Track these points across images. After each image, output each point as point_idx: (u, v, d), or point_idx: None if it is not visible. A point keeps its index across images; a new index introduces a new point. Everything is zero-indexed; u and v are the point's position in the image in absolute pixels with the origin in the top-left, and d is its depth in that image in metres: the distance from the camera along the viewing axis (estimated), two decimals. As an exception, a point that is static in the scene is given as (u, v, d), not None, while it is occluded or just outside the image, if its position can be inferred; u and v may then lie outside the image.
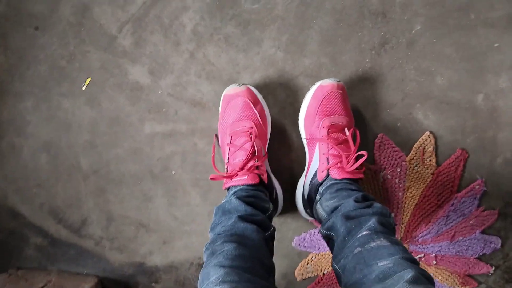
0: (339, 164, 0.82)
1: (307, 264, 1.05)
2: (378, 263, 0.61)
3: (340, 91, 0.85)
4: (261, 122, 0.85)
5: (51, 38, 0.91)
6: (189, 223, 0.99)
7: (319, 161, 0.87)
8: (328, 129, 0.84)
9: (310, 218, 0.97)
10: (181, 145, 0.93)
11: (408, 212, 1.01)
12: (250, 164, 0.80)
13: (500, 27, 0.88)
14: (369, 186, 0.99)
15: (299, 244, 1.04)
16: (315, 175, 0.87)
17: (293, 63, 0.90)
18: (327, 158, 0.84)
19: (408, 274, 0.56)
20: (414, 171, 0.98)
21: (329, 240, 0.79)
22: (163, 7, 0.88)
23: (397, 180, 0.99)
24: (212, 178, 0.81)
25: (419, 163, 0.97)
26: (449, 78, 0.91)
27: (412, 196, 1.00)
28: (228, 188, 0.82)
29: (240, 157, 0.81)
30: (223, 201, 0.79)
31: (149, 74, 0.90)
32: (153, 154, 0.96)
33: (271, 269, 0.71)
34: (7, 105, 0.92)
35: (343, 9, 0.87)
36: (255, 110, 0.85)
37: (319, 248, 1.04)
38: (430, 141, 0.96)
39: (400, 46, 0.90)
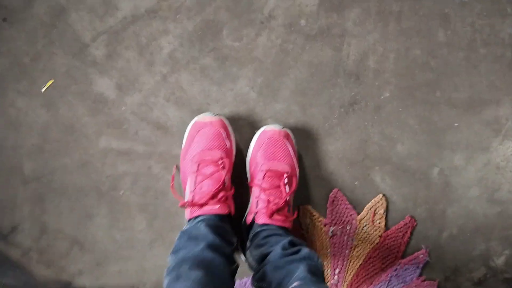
0: (264, 210, 0.83)
1: (243, 310, 1.03)
2: None
3: (282, 137, 0.87)
4: (230, 155, 0.85)
5: (18, 32, 0.87)
6: (128, 249, 0.94)
7: (250, 205, 0.88)
8: (265, 174, 0.85)
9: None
10: (135, 166, 0.90)
11: (352, 271, 1.02)
12: (221, 194, 0.80)
13: (461, 108, 0.93)
14: (317, 239, 1.00)
15: (239, 289, 1.02)
16: (245, 219, 0.88)
17: (264, 106, 0.91)
18: (257, 202, 0.85)
19: None
20: (363, 230, 1.00)
21: None
22: (144, 26, 0.87)
23: (345, 237, 1.00)
24: (182, 205, 0.79)
25: (368, 224, 0.99)
26: (409, 147, 0.95)
27: (358, 255, 1.01)
28: (194, 217, 0.80)
29: (208, 186, 0.80)
30: (186, 227, 0.77)
31: (115, 89, 0.88)
32: (103, 171, 0.93)
33: None
34: (-45, 92, 0.86)
35: (320, 64, 0.89)
36: (226, 142, 0.84)
37: (257, 295, 1.02)
38: (382, 204, 0.98)
39: (368, 109, 0.93)
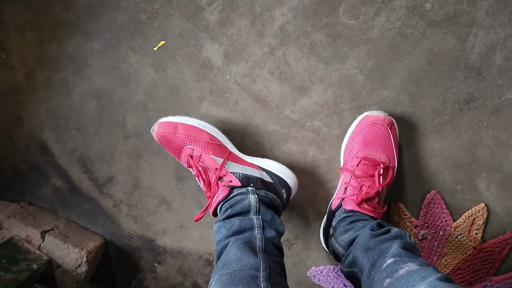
0: (353, 197, 0.77)
1: (316, 297, 0.97)
2: None
3: (386, 125, 0.79)
4: (194, 137, 0.79)
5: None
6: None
7: (338, 189, 0.82)
8: (360, 161, 0.79)
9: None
10: (230, 136, 0.86)
11: (435, 279, 0.91)
12: (212, 180, 0.77)
13: None
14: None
15: (314, 276, 0.96)
16: (331, 203, 0.82)
17: (370, 91, 0.83)
18: (345, 188, 0.79)
19: None
20: (456, 239, 0.89)
21: (353, 278, 0.72)
22: (260, -5, 0.82)
23: (436, 243, 0.90)
24: (196, 219, 0.79)
25: (464, 233, 0.89)
26: (525, 157, 0.82)
27: (446, 264, 0.91)
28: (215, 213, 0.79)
29: (200, 182, 0.80)
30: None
31: (223, 56, 0.84)
32: (200, 136, 0.90)
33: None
34: (73, 41, 0.87)
35: (439, 53, 0.79)
36: (177, 135, 0.80)
37: (332, 286, 0.96)
38: (482, 214, 0.87)
39: (485, 108, 0.82)
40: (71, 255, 0.93)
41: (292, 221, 0.94)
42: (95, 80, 0.90)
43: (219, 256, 0.67)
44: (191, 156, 0.79)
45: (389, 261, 0.61)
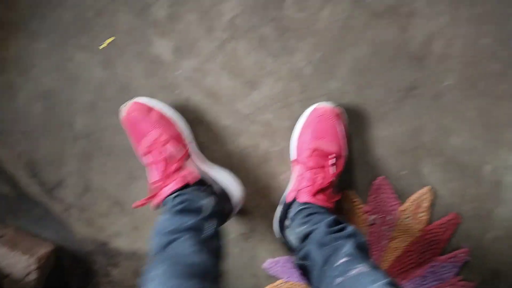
0: (308, 188, 0.76)
1: (274, 289, 0.94)
2: None
3: (334, 116, 0.79)
4: (165, 124, 0.77)
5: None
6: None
7: (293, 182, 0.80)
8: (312, 152, 0.78)
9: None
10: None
11: (387, 263, 0.92)
12: (168, 171, 0.73)
13: (527, 105, 0.82)
14: (356, 226, 0.89)
15: (271, 267, 0.93)
16: (286, 196, 0.81)
17: (319, 82, 0.82)
18: (300, 180, 0.78)
19: None
20: (404, 222, 0.89)
21: (304, 270, 0.70)
22: (208, -10, 0.79)
23: (385, 227, 0.90)
24: (135, 206, 0.73)
25: (411, 216, 0.89)
26: (464, 140, 0.84)
27: (396, 248, 0.91)
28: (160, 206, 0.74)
29: (156, 170, 0.74)
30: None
31: (173, 52, 0.80)
32: (152, 133, 0.85)
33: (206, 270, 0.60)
34: (17, 42, 0.81)
35: (382, 43, 0.80)
36: (149, 117, 0.76)
37: (289, 277, 0.93)
38: (428, 197, 0.88)
39: (427, 95, 0.83)
40: (20, 263, 0.85)
41: (248, 214, 0.91)
42: (42, 81, 0.84)
43: (164, 247, 0.62)
44: (157, 140, 0.74)
45: (342, 260, 0.61)
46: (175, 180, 0.73)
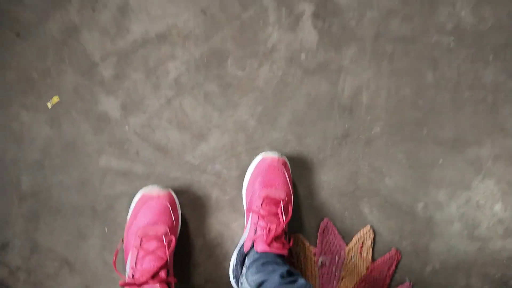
0: (264, 237, 0.77)
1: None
2: None
3: (281, 165, 0.83)
4: (174, 230, 0.79)
5: (30, 47, 0.82)
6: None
7: (248, 231, 0.82)
8: (263, 200, 0.80)
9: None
10: (132, 186, 0.83)
11: (339, 303, 0.93)
12: (162, 273, 0.72)
13: (446, 146, 0.90)
14: (307, 268, 0.92)
15: (226, 316, 0.92)
16: (243, 245, 0.82)
17: (262, 133, 0.87)
18: (255, 229, 0.79)
19: None
20: (351, 261, 0.93)
21: None
22: (152, 49, 0.83)
23: (334, 268, 0.93)
24: (122, 285, 0.71)
25: (356, 255, 0.92)
26: (396, 181, 0.90)
27: (345, 286, 0.93)
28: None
29: (149, 262, 0.72)
30: None
31: (120, 109, 0.82)
32: (101, 190, 0.85)
33: None
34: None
35: (316, 97, 0.86)
36: (172, 216, 0.78)
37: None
38: (369, 235, 0.92)
39: (359, 142, 0.89)
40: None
41: (201, 265, 0.90)
42: (-17, 141, 0.82)
43: None
44: (169, 240, 0.74)
45: None
46: (161, 284, 0.71)
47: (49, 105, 0.82)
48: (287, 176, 0.84)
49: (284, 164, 0.84)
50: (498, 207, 0.93)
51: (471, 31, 0.89)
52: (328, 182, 0.91)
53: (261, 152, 0.85)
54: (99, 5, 0.82)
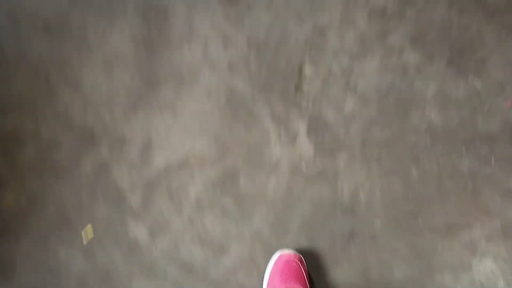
0: None
1: None
2: None
3: (297, 261, 0.89)
4: None
5: (65, 186, 0.91)
6: None
7: None
8: None
9: None
10: (162, 305, 0.87)
11: None
12: None
13: (441, 233, 1.00)
14: None
15: None
16: None
17: (276, 239, 0.95)
18: None
19: None
20: None
21: None
22: (174, 177, 0.94)
23: None
24: None
25: None
26: (404, 272, 0.97)
27: None
28: None
29: None
30: None
31: (148, 233, 0.90)
32: (132, 312, 0.88)
33: None
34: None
35: (320, 201, 0.97)
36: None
37: None
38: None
39: (365, 238, 0.97)
40: None
41: None
42: (23, 280, 0.87)
43: None
44: None
45: None
46: None
47: (84, 241, 0.89)
48: (303, 271, 0.90)
49: (300, 260, 0.91)
50: (501, 284, 0.99)
51: (442, 129, 1.04)
52: (342, 279, 0.96)
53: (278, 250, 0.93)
54: (126, 144, 0.95)
